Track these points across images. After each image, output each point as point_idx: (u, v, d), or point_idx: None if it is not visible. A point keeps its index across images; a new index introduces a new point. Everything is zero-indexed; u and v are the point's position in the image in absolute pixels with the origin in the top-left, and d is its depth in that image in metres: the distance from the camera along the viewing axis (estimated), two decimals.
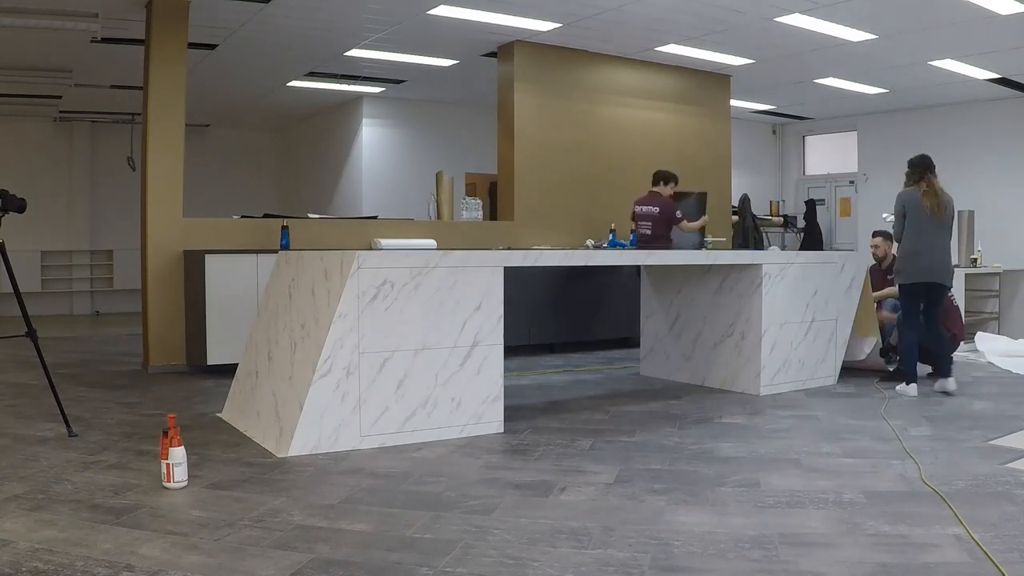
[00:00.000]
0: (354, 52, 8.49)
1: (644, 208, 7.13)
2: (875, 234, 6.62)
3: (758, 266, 5.38)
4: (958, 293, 7.76)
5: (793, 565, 2.52)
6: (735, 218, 11.31)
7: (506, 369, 4.43)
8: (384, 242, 7.12)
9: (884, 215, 7.24)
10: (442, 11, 7.03)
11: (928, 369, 5.99)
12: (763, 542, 2.71)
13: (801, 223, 12.88)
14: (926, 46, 8.29)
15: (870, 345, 6.00)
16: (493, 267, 4.31)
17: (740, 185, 11.66)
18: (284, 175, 14.10)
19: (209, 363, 6.10)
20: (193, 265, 6.27)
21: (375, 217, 8.07)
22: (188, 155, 6.69)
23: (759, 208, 12.34)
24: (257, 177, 13.91)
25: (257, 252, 6.30)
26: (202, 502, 3.12)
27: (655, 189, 7.20)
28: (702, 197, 8.17)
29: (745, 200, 11.86)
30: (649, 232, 7.05)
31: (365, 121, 11.16)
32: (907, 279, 5.40)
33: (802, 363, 5.63)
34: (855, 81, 10.04)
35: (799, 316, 5.58)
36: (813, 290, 5.66)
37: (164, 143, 6.46)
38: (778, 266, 5.45)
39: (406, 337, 4.05)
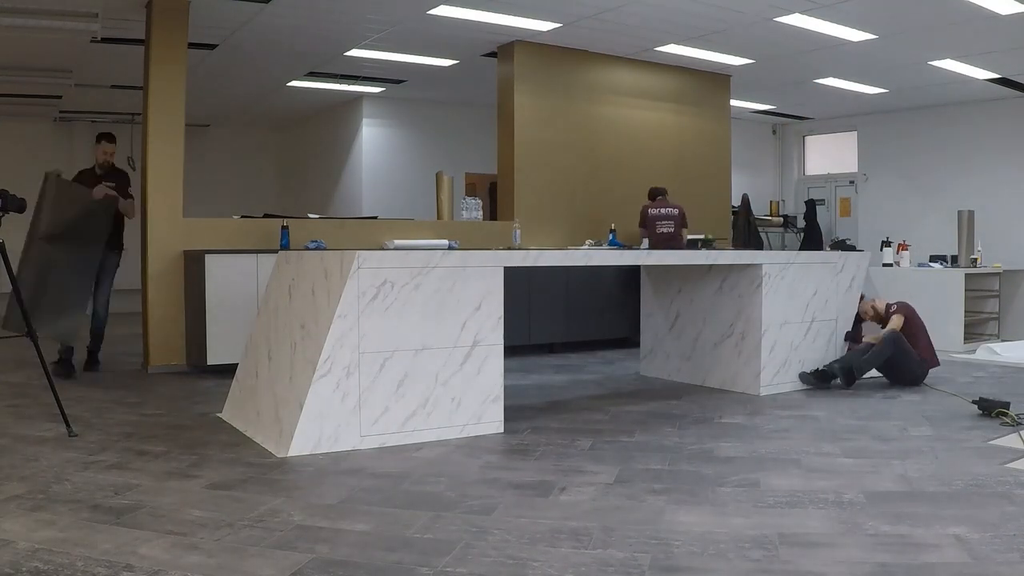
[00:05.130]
0: (354, 52, 8.49)
1: (664, 210, 8.08)
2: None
3: (758, 266, 5.38)
4: (958, 293, 7.78)
5: (793, 565, 2.52)
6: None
7: (506, 369, 4.43)
8: (397, 242, 7.09)
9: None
10: (442, 11, 7.03)
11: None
12: (763, 542, 2.71)
13: (801, 223, 12.88)
14: (926, 46, 8.28)
15: None
16: (493, 267, 4.31)
17: (740, 185, 11.66)
18: (284, 175, 14.09)
19: (209, 363, 6.10)
20: (193, 265, 6.27)
21: (375, 217, 8.07)
22: (188, 155, 6.68)
23: (759, 208, 12.34)
24: (257, 177, 13.89)
25: (257, 252, 6.30)
26: (202, 502, 3.12)
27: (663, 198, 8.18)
28: None
29: (745, 200, 11.86)
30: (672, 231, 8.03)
31: (365, 121, 11.15)
32: None
33: (802, 363, 5.62)
34: (855, 81, 10.04)
35: (799, 316, 5.58)
36: (813, 290, 5.66)
37: (164, 143, 6.46)
38: (778, 266, 5.45)
39: (406, 337, 4.05)
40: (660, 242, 7.91)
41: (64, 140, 12.39)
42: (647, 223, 8.07)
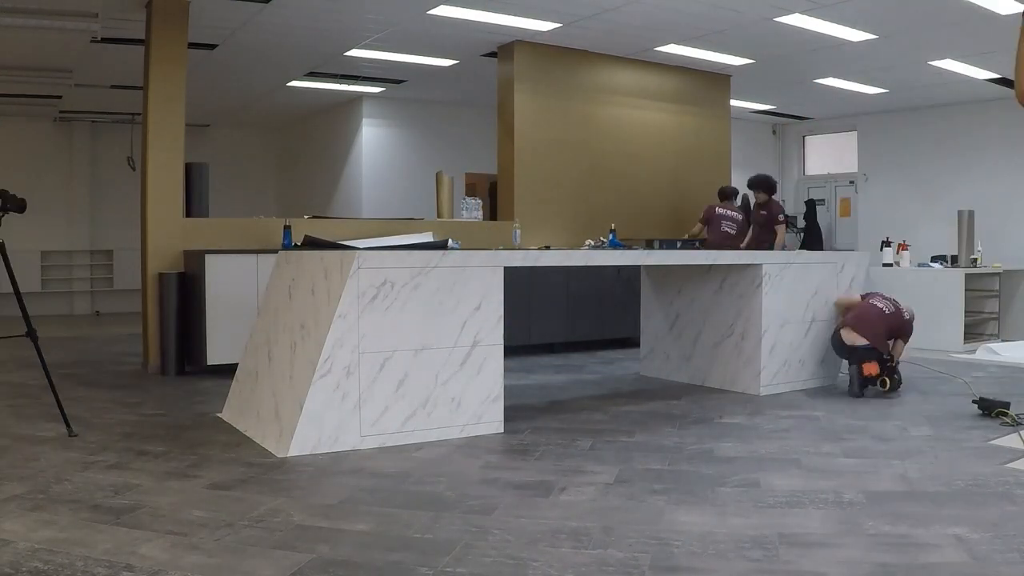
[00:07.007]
0: (354, 52, 8.49)
1: (731, 212, 8.46)
2: None
3: (758, 266, 5.38)
4: (958, 293, 7.77)
5: (793, 565, 2.52)
6: None
7: (506, 369, 4.43)
8: (366, 242, 6.95)
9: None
10: (442, 11, 7.03)
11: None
12: (763, 542, 2.71)
13: (801, 223, 12.88)
14: (926, 46, 8.29)
15: None
16: (493, 267, 4.31)
17: (740, 185, 11.65)
18: (284, 175, 14.10)
19: (209, 363, 6.10)
20: (193, 265, 6.27)
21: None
22: (188, 155, 6.68)
23: None
24: (257, 177, 13.91)
25: (257, 252, 6.30)
26: (202, 502, 3.12)
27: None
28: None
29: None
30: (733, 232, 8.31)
31: (365, 121, 11.16)
32: None
33: (802, 363, 5.62)
34: (855, 81, 10.04)
35: (799, 316, 5.58)
36: (813, 290, 5.66)
37: (164, 143, 6.46)
38: (778, 266, 5.45)
39: (406, 337, 4.05)
40: (720, 240, 8.17)
41: (64, 140, 12.40)
42: (712, 219, 8.33)
